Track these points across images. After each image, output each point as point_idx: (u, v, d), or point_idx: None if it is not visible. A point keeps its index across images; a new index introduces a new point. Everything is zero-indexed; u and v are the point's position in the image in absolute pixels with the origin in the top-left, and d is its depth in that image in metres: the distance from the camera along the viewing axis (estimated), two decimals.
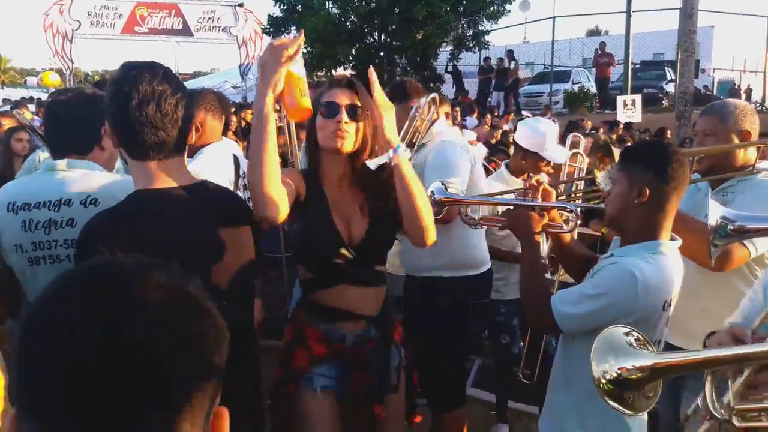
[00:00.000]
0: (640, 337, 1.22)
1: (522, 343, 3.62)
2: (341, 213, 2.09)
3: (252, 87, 26.13)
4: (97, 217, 1.69)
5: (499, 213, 2.36)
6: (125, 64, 1.68)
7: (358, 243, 2.06)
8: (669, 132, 9.83)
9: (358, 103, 2.03)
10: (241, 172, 3.20)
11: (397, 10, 17.54)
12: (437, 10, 17.04)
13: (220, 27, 25.11)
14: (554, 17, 18.82)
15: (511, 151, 4.43)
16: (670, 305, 1.94)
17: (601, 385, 1.18)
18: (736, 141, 2.48)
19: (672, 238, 1.96)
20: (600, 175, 2.29)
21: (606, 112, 15.25)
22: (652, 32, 21.96)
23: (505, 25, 21.94)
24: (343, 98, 2.02)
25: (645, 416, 2.04)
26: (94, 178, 2.07)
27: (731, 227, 1.49)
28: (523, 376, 3.63)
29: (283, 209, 1.80)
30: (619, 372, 1.16)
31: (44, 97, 14.84)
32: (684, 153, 2.04)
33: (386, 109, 1.91)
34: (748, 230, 1.48)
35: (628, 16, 14.23)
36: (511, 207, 2.22)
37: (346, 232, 2.07)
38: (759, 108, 18.73)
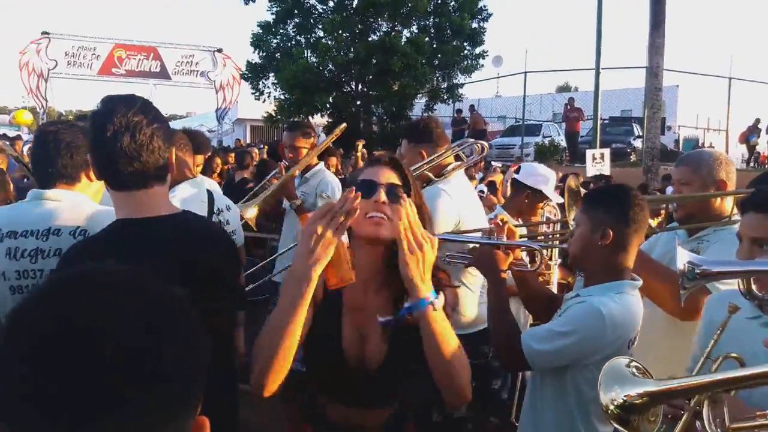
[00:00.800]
0: (640, 366, 1.31)
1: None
2: (357, 326, 1.68)
3: (228, 132, 26.28)
4: (76, 244, 1.69)
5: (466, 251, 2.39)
6: (105, 98, 1.70)
7: (374, 370, 1.66)
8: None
9: (400, 183, 1.67)
10: (215, 209, 3.20)
11: (375, 61, 17.93)
12: (413, 62, 17.46)
13: (198, 71, 25.33)
14: (526, 72, 19.38)
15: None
16: (633, 343, 2.00)
17: (610, 411, 1.24)
18: (712, 191, 2.50)
19: (633, 278, 2.03)
20: (573, 217, 2.35)
21: (576, 165, 15.59)
22: (620, 89, 22.73)
23: (479, 78, 22.56)
24: (383, 176, 1.66)
25: None
26: (83, 209, 2.07)
27: (698, 271, 1.54)
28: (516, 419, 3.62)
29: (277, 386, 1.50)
30: (625, 398, 1.23)
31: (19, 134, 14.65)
32: (652, 199, 2.11)
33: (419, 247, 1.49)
34: (713, 273, 1.54)
35: (597, 73, 14.71)
36: (477, 245, 2.25)
37: (357, 355, 1.67)
38: None
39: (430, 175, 3.06)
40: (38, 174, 2.20)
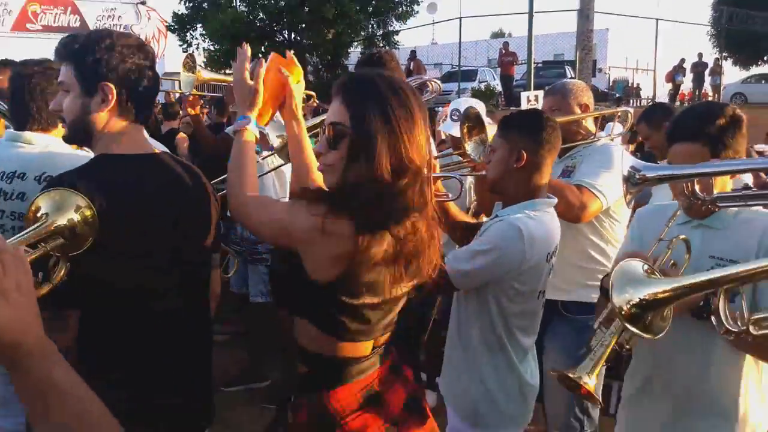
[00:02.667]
0: (648, 267, 1.33)
1: None
2: None
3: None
4: (63, 174, 1.64)
5: None
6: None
7: None
8: None
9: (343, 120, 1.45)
10: None
11: (307, 9, 17.49)
12: (347, 10, 17.13)
13: (121, 25, 24.04)
14: (461, 18, 19.31)
15: None
16: (552, 256, 2.09)
17: (624, 312, 1.25)
18: (579, 113, 2.85)
19: (548, 197, 2.12)
20: (468, 146, 2.39)
21: (511, 108, 15.82)
22: (553, 34, 23.03)
23: (414, 25, 22.35)
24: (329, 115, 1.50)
25: (536, 369, 2.18)
26: (53, 155, 2.07)
27: (638, 176, 1.64)
28: None
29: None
30: (641, 298, 1.25)
31: None
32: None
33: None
34: (650, 178, 1.64)
35: (531, 17, 14.81)
36: None
37: None
38: (650, 103, 20.01)
39: None
40: (14, 116, 2.19)
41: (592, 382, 1.50)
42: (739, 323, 1.26)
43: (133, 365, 1.63)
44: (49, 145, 2.11)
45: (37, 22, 23.27)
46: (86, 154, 2.07)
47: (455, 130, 3.78)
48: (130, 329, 1.61)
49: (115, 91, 1.66)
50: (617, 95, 21.71)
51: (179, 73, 2.92)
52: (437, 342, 3.93)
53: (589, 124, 2.87)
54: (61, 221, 1.11)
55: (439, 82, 3.51)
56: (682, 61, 20.63)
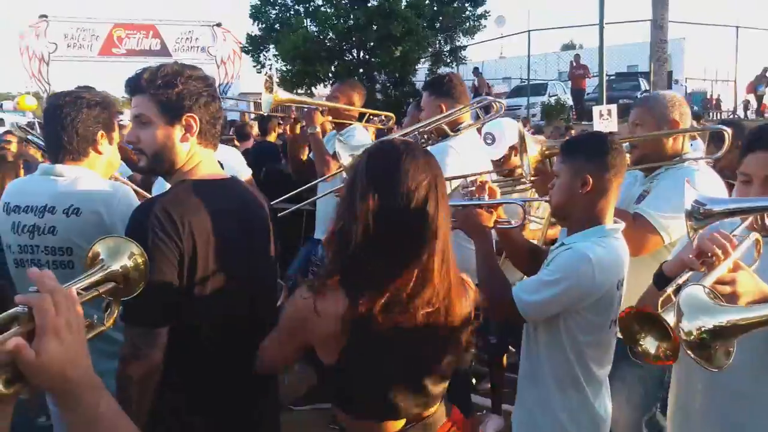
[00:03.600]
0: (712, 292, 1.28)
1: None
2: None
3: (231, 106, 26.17)
4: (148, 201, 1.76)
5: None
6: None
7: None
8: None
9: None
10: None
11: (375, 27, 17.72)
12: (414, 27, 17.24)
13: (198, 47, 25.11)
14: (529, 31, 19.11)
15: None
16: (622, 284, 2.02)
17: (692, 338, 1.21)
18: (666, 129, 2.57)
19: (615, 222, 2.05)
20: (524, 162, 2.36)
21: (583, 122, 15.46)
22: (625, 44, 22.38)
23: (481, 40, 22.26)
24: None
25: (609, 402, 2.11)
26: (80, 186, 2.08)
27: (702, 210, 1.57)
28: None
29: None
30: (716, 325, 1.21)
31: (21, 120, 14.69)
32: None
33: None
34: (717, 212, 1.56)
35: (601, 28, 14.46)
36: (461, 207, 2.27)
37: None
38: (730, 116, 19.10)
39: (446, 129, 3.11)
40: (48, 149, 2.23)
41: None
42: None
43: (203, 381, 1.71)
44: (78, 177, 2.10)
45: (122, 46, 24.57)
46: (116, 183, 2.20)
47: (494, 155, 3.75)
48: (203, 347, 1.70)
49: (198, 121, 1.75)
50: (694, 108, 20.87)
51: (254, 93, 3.02)
52: (501, 367, 3.89)
53: (678, 142, 2.61)
54: (115, 267, 1.18)
55: (503, 101, 3.47)
56: (765, 70, 19.62)
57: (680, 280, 1.47)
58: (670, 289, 1.42)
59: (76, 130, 2.10)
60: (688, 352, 1.20)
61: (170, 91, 1.72)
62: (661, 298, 1.38)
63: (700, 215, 1.56)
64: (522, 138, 2.46)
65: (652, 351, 1.34)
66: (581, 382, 1.99)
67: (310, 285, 1.51)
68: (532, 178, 2.57)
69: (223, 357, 1.71)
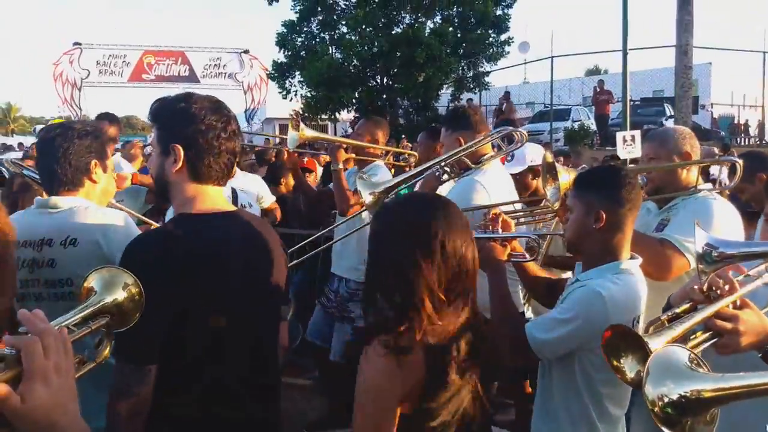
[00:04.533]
0: (693, 356, 1.12)
1: None
2: None
3: (258, 131, 26.54)
4: (136, 240, 1.74)
5: None
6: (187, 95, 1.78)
7: None
8: None
9: None
10: (239, 205, 3.29)
11: (399, 53, 17.89)
12: (437, 53, 17.36)
13: (226, 73, 25.64)
14: (552, 57, 19.13)
15: None
16: (638, 322, 1.98)
17: (656, 410, 1.05)
18: (678, 162, 2.62)
19: (632, 257, 2.02)
20: (548, 192, 2.35)
21: (607, 148, 15.35)
22: (651, 70, 22.27)
23: (505, 66, 22.31)
24: None
25: None
26: (77, 217, 2.07)
27: (715, 254, 1.56)
28: None
29: None
30: (681, 395, 1.04)
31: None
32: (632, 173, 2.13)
33: None
34: (730, 256, 1.55)
35: (624, 54, 14.42)
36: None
37: None
38: (758, 143, 18.82)
39: (468, 162, 3.09)
40: (43, 182, 2.23)
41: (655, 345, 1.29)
42: None
43: (201, 415, 1.67)
44: (74, 207, 2.09)
45: (152, 72, 25.18)
46: (114, 211, 2.18)
47: (512, 170, 3.76)
48: (199, 381, 1.66)
49: (182, 152, 1.69)
50: (722, 133, 20.60)
51: (279, 119, 3.06)
52: (524, 393, 3.84)
53: (692, 174, 2.68)
54: (109, 299, 1.14)
55: (524, 131, 3.42)
56: None
57: (678, 309, 1.46)
58: (664, 316, 1.41)
59: (69, 161, 2.10)
60: (659, 425, 1.06)
61: (163, 119, 1.73)
62: (653, 326, 1.37)
63: (711, 258, 1.54)
64: (551, 166, 2.45)
65: (629, 374, 1.28)
66: (594, 420, 1.95)
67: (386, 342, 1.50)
68: (556, 208, 2.56)
69: (221, 391, 1.69)
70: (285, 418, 2.01)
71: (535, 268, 2.31)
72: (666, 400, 1.05)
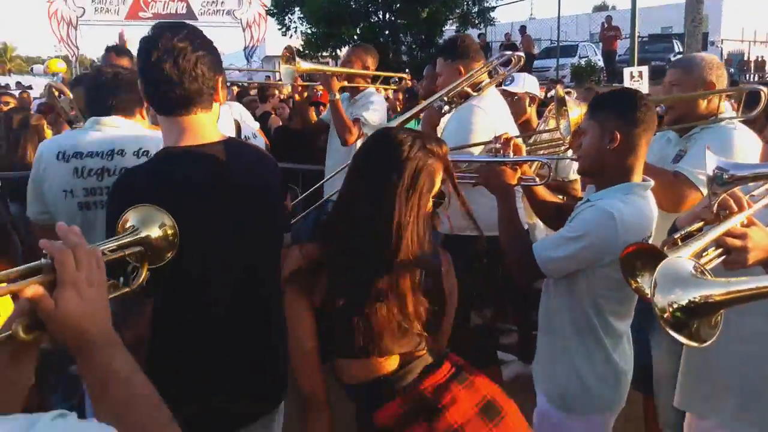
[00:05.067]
0: (698, 265, 1.17)
1: None
2: None
3: (259, 68, 26.20)
4: (125, 173, 1.74)
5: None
6: (155, 24, 1.71)
7: None
8: None
9: None
10: (242, 136, 3.27)
11: None
12: None
13: (224, 10, 25.00)
14: None
15: None
16: (648, 242, 1.97)
17: (666, 315, 1.09)
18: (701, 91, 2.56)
19: (644, 179, 2.01)
20: (561, 125, 2.31)
21: (613, 84, 15.12)
22: (660, 6, 21.74)
23: (511, 0, 21.74)
24: None
25: (631, 354, 2.10)
26: (143, 132, 2.22)
27: (726, 176, 1.54)
28: None
29: None
30: (690, 300, 1.09)
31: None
32: (650, 99, 2.09)
33: None
34: (741, 177, 1.53)
35: None
36: (484, 163, 2.24)
37: None
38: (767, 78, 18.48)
39: (470, 90, 3.06)
40: (95, 106, 2.29)
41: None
42: None
43: (190, 369, 1.66)
44: (134, 126, 2.26)
45: (148, 10, 24.57)
46: None
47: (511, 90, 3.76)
48: (192, 317, 1.66)
49: (140, 87, 1.69)
50: (731, 70, 20.23)
51: (279, 57, 3.03)
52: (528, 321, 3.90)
53: (713, 103, 2.59)
54: (144, 233, 1.19)
55: (521, 53, 3.31)
56: None
57: (691, 228, 1.45)
58: (677, 235, 1.41)
59: (129, 91, 2.21)
60: (666, 329, 1.10)
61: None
62: (666, 245, 1.37)
63: (722, 181, 1.52)
64: (562, 100, 2.41)
65: (648, 291, 1.29)
66: (599, 332, 1.98)
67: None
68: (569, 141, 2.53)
69: (216, 319, 1.67)
70: None
71: (544, 193, 2.30)
72: (675, 305, 1.09)
